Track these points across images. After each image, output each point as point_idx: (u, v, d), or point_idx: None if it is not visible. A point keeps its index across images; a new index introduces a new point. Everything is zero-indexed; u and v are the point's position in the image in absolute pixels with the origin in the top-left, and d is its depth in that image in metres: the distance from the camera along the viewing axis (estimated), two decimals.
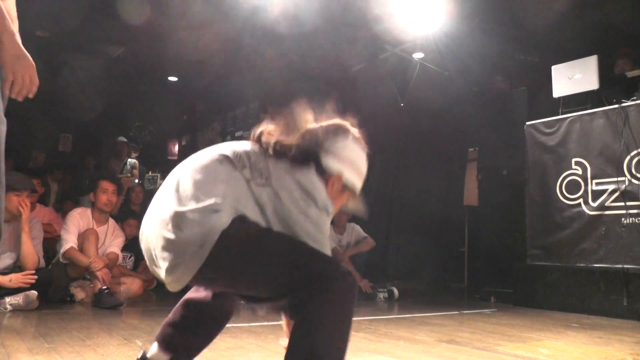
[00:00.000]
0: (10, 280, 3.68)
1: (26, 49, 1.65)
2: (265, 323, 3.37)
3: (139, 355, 1.63)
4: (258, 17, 5.51)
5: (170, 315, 1.67)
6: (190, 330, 1.64)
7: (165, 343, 1.61)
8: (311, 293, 1.33)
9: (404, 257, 7.51)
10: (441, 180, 7.63)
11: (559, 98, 4.78)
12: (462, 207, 7.22)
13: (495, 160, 5.49)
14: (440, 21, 5.56)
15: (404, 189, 7.70)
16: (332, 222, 5.65)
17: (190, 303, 1.66)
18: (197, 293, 1.66)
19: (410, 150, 7.62)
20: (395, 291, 5.46)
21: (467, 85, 6.68)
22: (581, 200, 4.48)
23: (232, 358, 2.29)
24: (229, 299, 1.65)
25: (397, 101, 6.70)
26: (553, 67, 4.83)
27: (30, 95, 1.68)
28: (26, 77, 1.64)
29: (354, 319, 1.37)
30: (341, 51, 6.41)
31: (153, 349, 1.62)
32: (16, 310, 3.61)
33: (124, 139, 8.46)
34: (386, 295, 5.42)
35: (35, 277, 3.76)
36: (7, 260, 3.90)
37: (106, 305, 3.91)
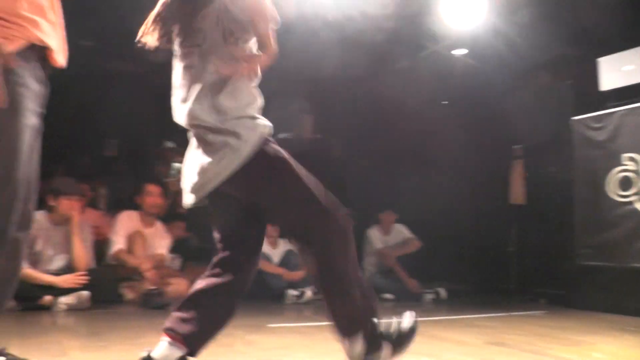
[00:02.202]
0: (64, 281, 3.82)
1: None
2: (312, 323, 3.37)
3: (144, 355, 1.60)
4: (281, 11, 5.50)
5: (180, 308, 1.66)
6: (204, 320, 1.64)
7: (179, 337, 1.60)
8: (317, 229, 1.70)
9: (450, 257, 7.41)
10: (486, 179, 7.49)
11: (607, 91, 4.61)
12: (508, 205, 7.07)
13: (542, 157, 5.36)
14: (482, 17, 5.47)
15: (447, 188, 7.59)
16: (379, 223, 5.58)
17: (199, 293, 1.68)
18: (205, 281, 1.69)
19: (455, 149, 7.52)
20: (442, 292, 5.39)
21: (511, 80, 6.54)
22: (635, 197, 4.30)
23: (278, 358, 2.29)
24: (240, 278, 1.72)
25: (440, 99, 6.62)
26: (601, 59, 4.65)
27: None
28: None
29: None
30: (383, 49, 6.37)
31: (162, 346, 1.60)
32: (70, 309, 3.75)
33: (171, 144, 8.61)
34: (433, 296, 5.35)
35: (87, 278, 3.89)
36: (59, 262, 4.05)
37: (154, 305, 4.00)
